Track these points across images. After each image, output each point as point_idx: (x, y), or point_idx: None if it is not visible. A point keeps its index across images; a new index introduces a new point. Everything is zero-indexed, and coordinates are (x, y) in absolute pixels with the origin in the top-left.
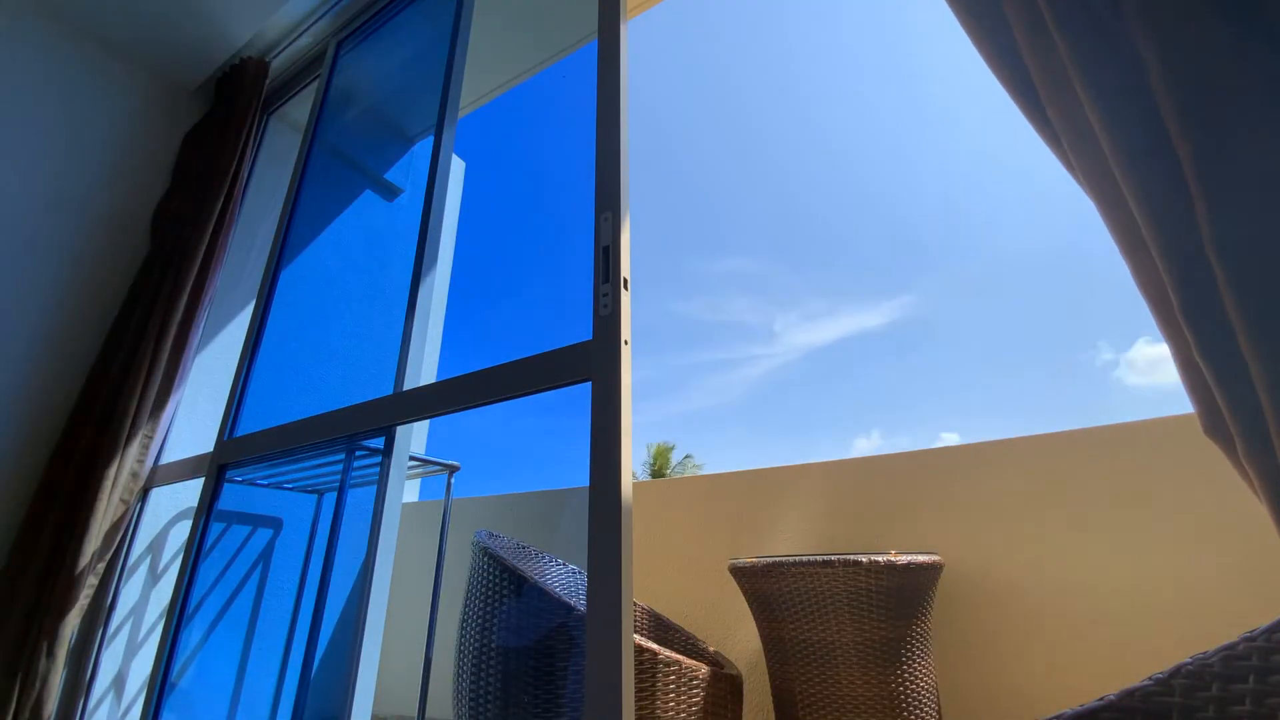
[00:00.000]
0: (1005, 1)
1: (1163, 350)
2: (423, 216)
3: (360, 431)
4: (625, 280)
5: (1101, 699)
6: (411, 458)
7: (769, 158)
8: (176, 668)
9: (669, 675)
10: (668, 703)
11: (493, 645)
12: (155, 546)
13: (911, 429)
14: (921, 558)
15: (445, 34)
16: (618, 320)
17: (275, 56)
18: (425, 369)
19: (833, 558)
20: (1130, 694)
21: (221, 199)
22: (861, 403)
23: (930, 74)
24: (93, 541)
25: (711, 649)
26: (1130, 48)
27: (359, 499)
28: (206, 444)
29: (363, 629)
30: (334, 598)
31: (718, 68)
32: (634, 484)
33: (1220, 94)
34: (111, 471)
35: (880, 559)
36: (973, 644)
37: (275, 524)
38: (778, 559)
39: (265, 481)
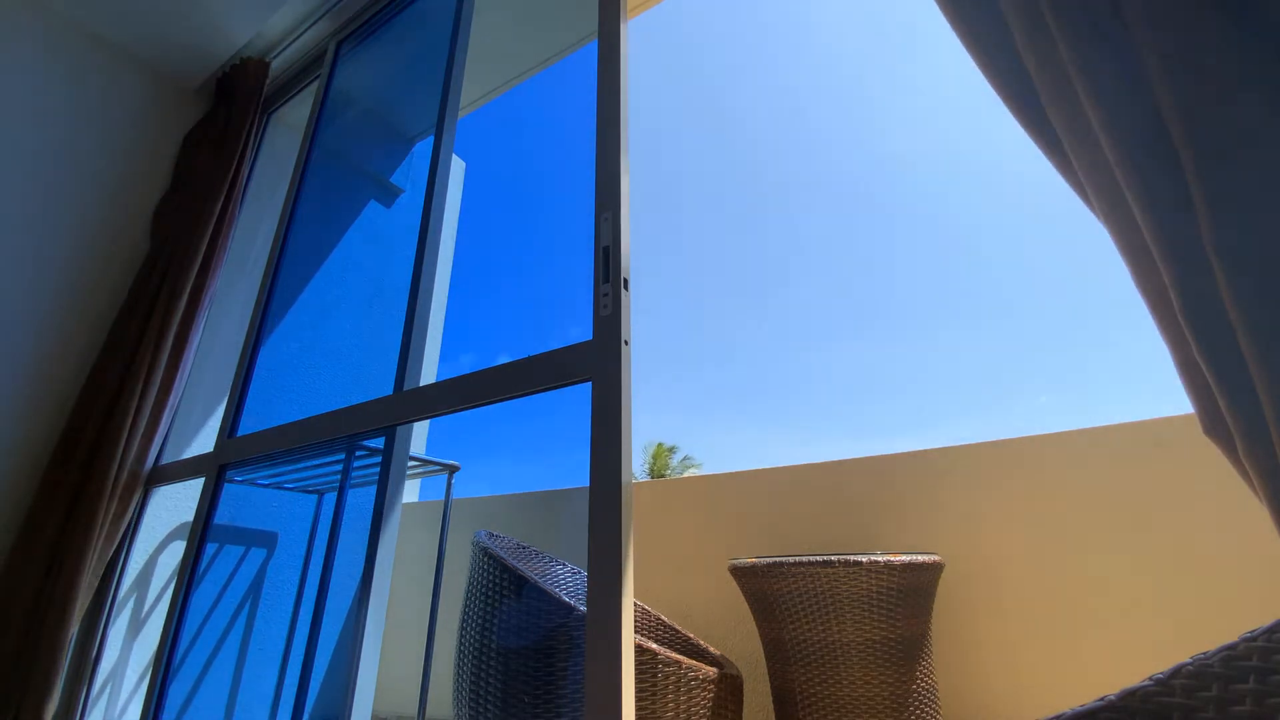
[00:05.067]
0: (1004, 3)
1: None
2: (423, 217)
3: (360, 432)
4: (625, 280)
5: (1101, 699)
6: (411, 458)
7: (770, 155)
8: (176, 665)
9: (669, 676)
10: (667, 703)
11: (493, 645)
12: (154, 548)
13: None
14: (921, 557)
15: (445, 34)
16: (618, 320)
17: (275, 57)
18: (425, 369)
19: (833, 558)
20: (1130, 694)
21: (221, 199)
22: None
23: (933, 72)
24: (93, 541)
25: (711, 649)
26: (1132, 48)
27: (359, 499)
28: (206, 444)
29: (363, 629)
30: (334, 598)
31: (719, 67)
32: (634, 484)
33: (1223, 94)
34: (112, 471)
35: (880, 559)
36: (973, 644)
37: (275, 524)
38: (778, 559)
39: (265, 482)
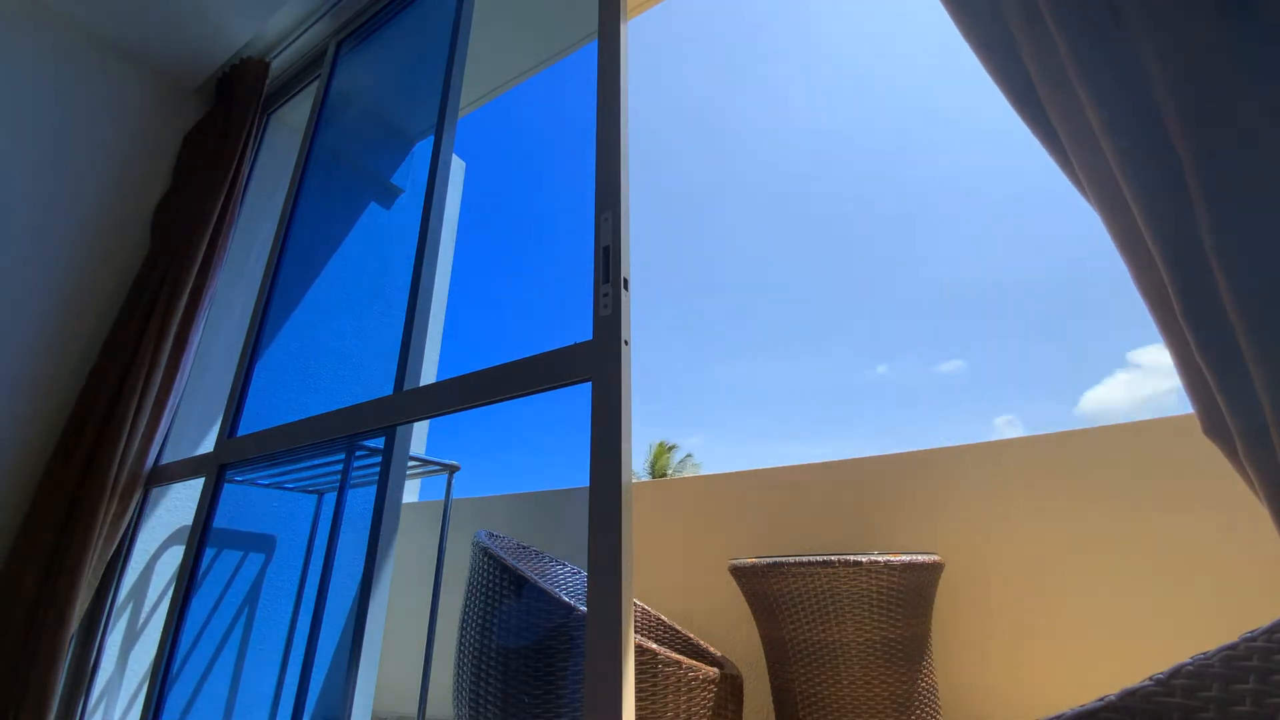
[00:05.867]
0: (1004, 2)
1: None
2: (423, 217)
3: (360, 431)
4: (625, 280)
5: (1101, 699)
6: (411, 458)
7: (770, 155)
8: (177, 665)
9: (669, 676)
10: (668, 703)
11: (493, 645)
12: (154, 550)
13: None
14: (921, 557)
15: (445, 34)
16: (618, 320)
17: (275, 56)
18: (425, 369)
19: (833, 558)
20: (1130, 694)
21: (222, 199)
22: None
23: (933, 72)
24: (93, 542)
25: (712, 649)
26: (1132, 48)
27: (359, 499)
28: (207, 444)
29: (363, 629)
30: (334, 598)
31: (719, 67)
32: (634, 484)
33: (1222, 95)
34: (112, 471)
35: (880, 559)
36: (973, 644)
37: (275, 523)
38: (778, 559)
39: (265, 482)
